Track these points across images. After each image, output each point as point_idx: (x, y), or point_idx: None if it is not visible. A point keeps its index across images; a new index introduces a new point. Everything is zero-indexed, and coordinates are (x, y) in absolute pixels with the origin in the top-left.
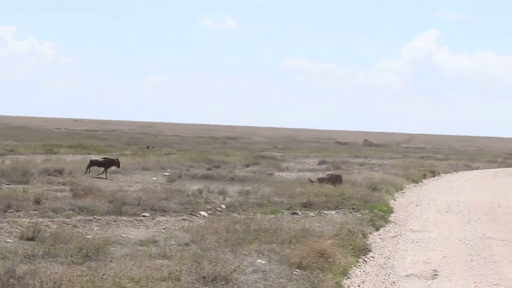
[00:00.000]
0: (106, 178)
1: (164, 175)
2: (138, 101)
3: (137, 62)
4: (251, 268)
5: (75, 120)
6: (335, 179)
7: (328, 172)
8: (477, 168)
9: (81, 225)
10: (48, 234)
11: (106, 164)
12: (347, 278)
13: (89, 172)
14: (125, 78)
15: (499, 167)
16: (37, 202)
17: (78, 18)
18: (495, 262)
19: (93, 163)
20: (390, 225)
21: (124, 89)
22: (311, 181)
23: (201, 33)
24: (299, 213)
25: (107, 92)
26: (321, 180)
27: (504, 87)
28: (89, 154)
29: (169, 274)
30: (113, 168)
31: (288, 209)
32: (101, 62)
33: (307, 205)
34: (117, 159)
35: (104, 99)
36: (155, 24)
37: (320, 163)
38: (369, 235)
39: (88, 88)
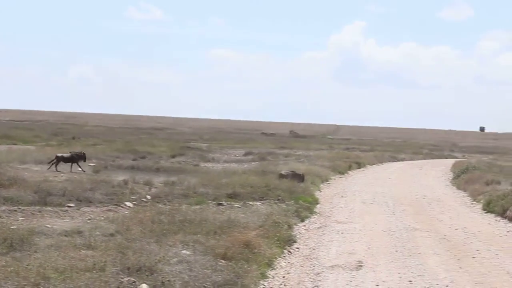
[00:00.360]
0: (84, 172)
1: (89, 165)
2: (63, 91)
3: (62, 52)
4: (176, 259)
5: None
6: (78, 158)
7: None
8: (402, 160)
9: (5, 216)
10: None
11: (74, 159)
12: (272, 269)
13: (55, 168)
14: (50, 68)
15: (424, 159)
16: None
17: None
18: (419, 253)
19: (59, 159)
20: (315, 216)
21: (49, 79)
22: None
23: (127, 24)
24: (225, 204)
25: (32, 82)
26: (281, 176)
27: (428, 79)
28: (14, 144)
29: (94, 264)
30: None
31: (213, 200)
32: (26, 52)
33: (233, 196)
34: (84, 153)
35: (28, 89)
36: (80, 14)
37: (246, 154)
38: (294, 226)
39: (12, 78)
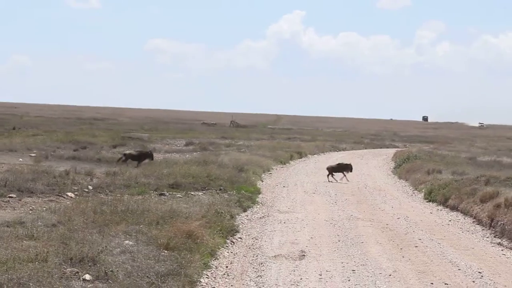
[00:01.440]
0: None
1: (30, 156)
2: (2, 81)
3: None
4: (119, 249)
5: None
6: (144, 156)
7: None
8: (344, 149)
9: None
10: None
11: (141, 157)
12: (215, 259)
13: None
14: None
15: (365, 148)
16: None
17: None
18: (362, 242)
19: (127, 156)
20: (258, 206)
21: None
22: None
23: (65, 13)
24: (167, 194)
25: None
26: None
27: (368, 68)
28: None
29: (37, 255)
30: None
31: (155, 190)
32: None
33: (175, 186)
34: (151, 152)
35: None
36: (18, 1)
37: (187, 144)
38: (237, 216)
39: None
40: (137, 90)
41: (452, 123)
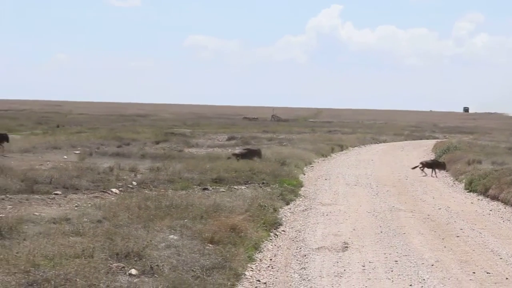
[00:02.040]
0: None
1: (75, 153)
2: (46, 80)
3: (42, 40)
4: (164, 244)
5: None
6: (252, 153)
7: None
8: (384, 141)
9: None
10: None
11: (248, 155)
12: (259, 252)
13: None
14: (31, 57)
15: (405, 140)
16: None
17: None
18: (404, 233)
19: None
20: (300, 199)
21: (32, 68)
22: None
23: (106, 11)
24: (210, 188)
25: (15, 71)
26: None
27: (406, 61)
28: None
29: (83, 251)
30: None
31: (198, 185)
32: (7, 41)
33: (218, 181)
34: (259, 149)
35: (11, 79)
36: (58, 2)
37: (229, 139)
38: (280, 209)
39: None
40: (179, 86)
41: (491, 113)
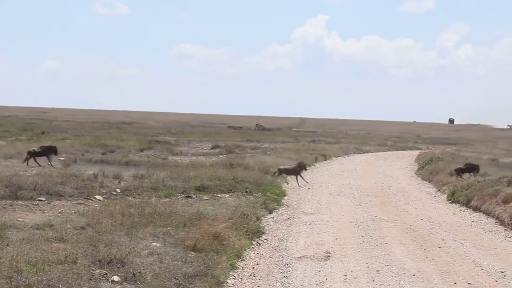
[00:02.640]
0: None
1: (59, 160)
2: (32, 86)
3: (29, 47)
4: (147, 251)
5: None
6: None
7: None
8: (367, 152)
9: None
10: None
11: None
12: (242, 260)
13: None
14: (18, 64)
15: (389, 150)
16: None
17: None
18: (386, 243)
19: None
20: (283, 208)
21: (18, 75)
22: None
23: (93, 19)
24: (193, 196)
25: (1, 77)
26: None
27: (391, 71)
28: None
29: (66, 257)
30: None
31: (182, 193)
32: None
33: (201, 189)
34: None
35: None
36: (46, 9)
37: (214, 147)
38: (263, 218)
39: None
40: (165, 94)
41: (475, 124)
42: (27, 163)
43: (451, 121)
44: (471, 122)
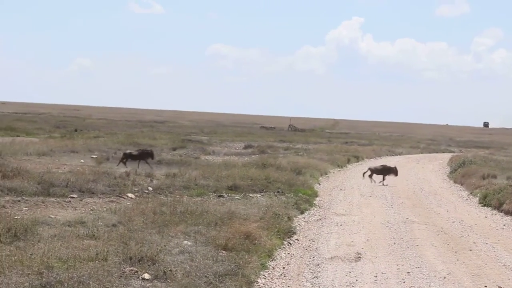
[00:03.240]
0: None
1: (92, 157)
2: (65, 84)
3: (63, 45)
4: (178, 249)
5: (3, 103)
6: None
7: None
8: (400, 154)
9: (9, 206)
10: None
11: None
12: (272, 260)
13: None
14: (52, 61)
15: (421, 153)
16: None
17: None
18: (417, 245)
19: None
20: (315, 209)
21: (51, 72)
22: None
23: (129, 18)
24: (225, 196)
25: (34, 75)
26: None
27: (424, 74)
28: (17, 136)
29: (97, 254)
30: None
31: (214, 192)
32: (28, 45)
33: (233, 188)
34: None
35: (31, 82)
36: (82, 6)
37: (246, 147)
38: (294, 218)
39: (13, 71)
40: (198, 94)
41: (508, 128)
42: (125, 165)
43: (486, 124)
44: (505, 126)
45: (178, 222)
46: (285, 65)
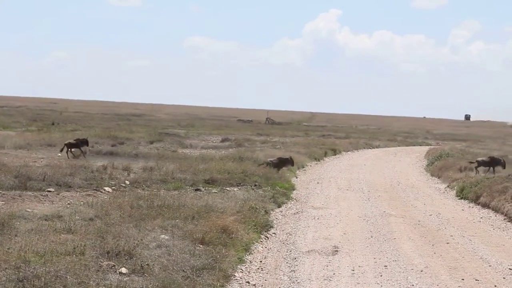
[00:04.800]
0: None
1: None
2: (42, 77)
3: (40, 38)
4: (155, 243)
5: None
6: (285, 162)
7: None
8: (377, 147)
9: None
10: None
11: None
12: (249, 254)
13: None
14: (28, 54)
15: (398, 146)
16: None
17: None
18: (394, 238)
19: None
20: (292, 202)
21: (28, 65)
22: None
23: (106, 11)
24: (202, 189)
25: (9, 67)
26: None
27: (402, 67)
28: None
29: (74, 248)
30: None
31: (191, 186)
32: (3, 37)
33: (210, 182)
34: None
35: (7, 75)
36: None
37: (223, 140)
38: (271, 212)
39: None
40: (175, 87)
41: (484, 121)
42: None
43: (468, 117)
44: (482, 119)
45: (155, 216)
46: (262, 57)
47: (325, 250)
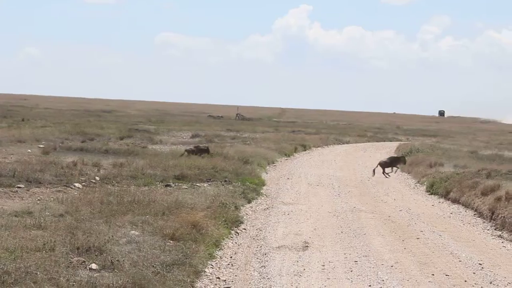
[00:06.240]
0: None
1: (39, 147)
2: (12, 73)
3: (11, 33)
4: (125, 239)
5: None
6: (202, 151)
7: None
8: (347, 142)
9: None
10: None
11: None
12: (220, 249)
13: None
14: None
15: (368, 141)
16: None
17: None
18: (364, 234)
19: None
20: (262, 198)
21: None
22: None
23: (76, 6)
24: (172, 185)
25: None
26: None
27: (372, 62)
28: None
29: (44, 244)
30: None
31: (161, 181)
32: None
33: (180, 178)
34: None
35: None
36: None
37: (193, 136)
38: (241, 208)
39: None
40: (146, 83)
41: (455, 117)
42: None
43: (442, 113)
44: (453, 115)
45: (125, 212)
46: (233, 54)
47: (295, 245)
